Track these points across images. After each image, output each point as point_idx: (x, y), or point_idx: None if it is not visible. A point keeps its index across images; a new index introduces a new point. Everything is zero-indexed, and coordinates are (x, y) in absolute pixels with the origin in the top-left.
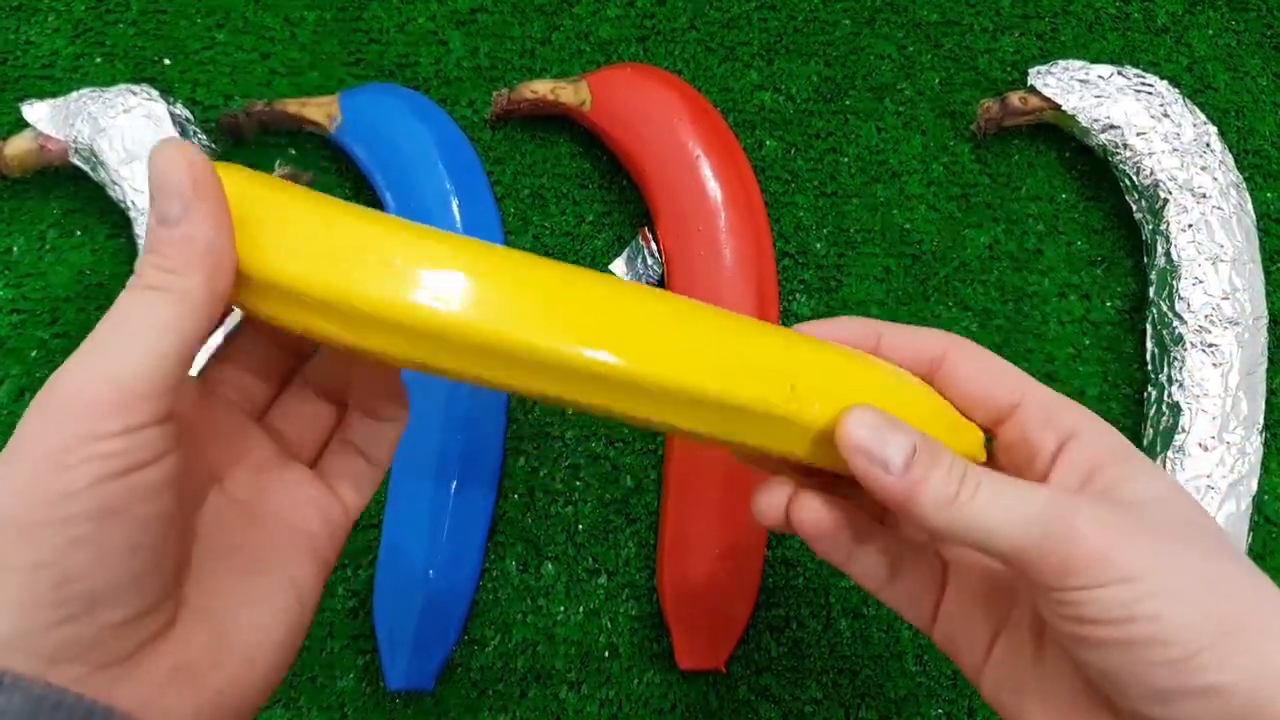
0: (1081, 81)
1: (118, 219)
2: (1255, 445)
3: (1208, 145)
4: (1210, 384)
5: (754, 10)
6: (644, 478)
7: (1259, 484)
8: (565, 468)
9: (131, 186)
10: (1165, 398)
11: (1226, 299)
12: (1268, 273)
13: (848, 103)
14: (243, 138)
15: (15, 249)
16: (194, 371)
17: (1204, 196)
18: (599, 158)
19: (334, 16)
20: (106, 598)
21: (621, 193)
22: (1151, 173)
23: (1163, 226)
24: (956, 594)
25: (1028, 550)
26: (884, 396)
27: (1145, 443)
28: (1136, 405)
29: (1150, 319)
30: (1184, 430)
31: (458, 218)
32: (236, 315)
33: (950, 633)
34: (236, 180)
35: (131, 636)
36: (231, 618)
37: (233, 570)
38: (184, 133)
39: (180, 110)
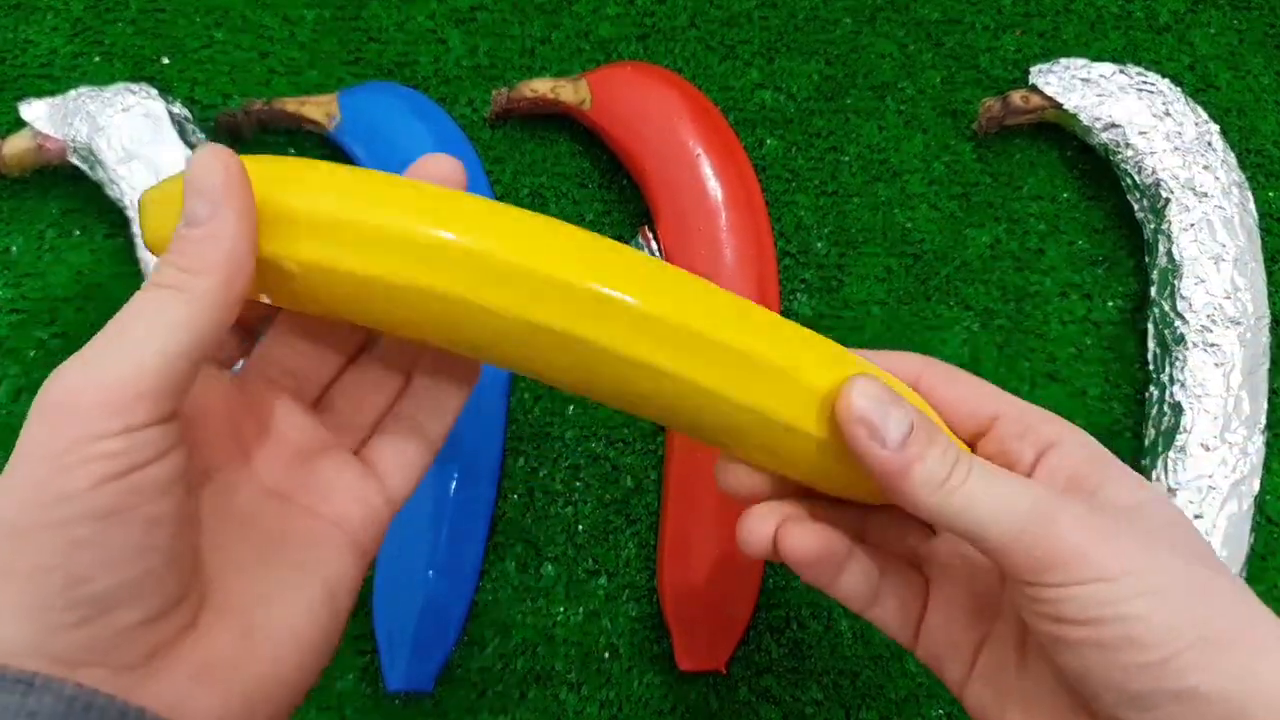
0: (1083, 80)
1: (116, 218)
2: (1257, 445)
3: (1210, 144)
4: (1212, 384)
5: (754, 8)
6: (644, 478)
7: (1261, 484)
8: (565, 468)
9: (130, 185)
10: (1167, 397)
11: (1228, 298)
12: (1270, 272)
13: (849, 101)
14: (241, 136)
15: (14, 248)
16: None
17: (1206, 196)
18: (599, 157)
19: (333, 15)
20: (120, 599)
21: (621, 192)
22: (1153, 172)
23: (1164, 226)
24: (939, 607)
25: (1012, 542)
26: (883, 378)
27: (1147, 443)
28: (1138, 405)
29: (1152, 318)
30: (1186, 430)
31: None
32: None
33: (934, 647)
34: (267, 162)
35: (151, 637)
36: (259, 615)
37: (262, 565)
38: (182, 131)
39: (179, 109)
